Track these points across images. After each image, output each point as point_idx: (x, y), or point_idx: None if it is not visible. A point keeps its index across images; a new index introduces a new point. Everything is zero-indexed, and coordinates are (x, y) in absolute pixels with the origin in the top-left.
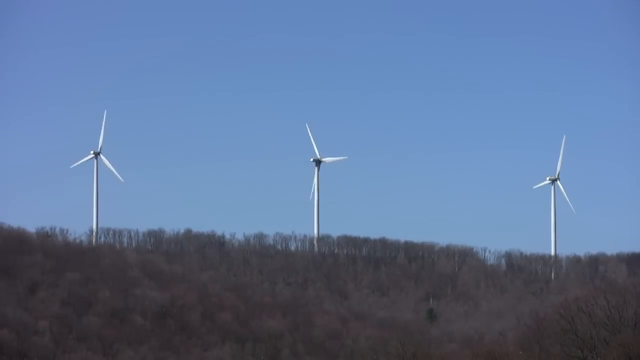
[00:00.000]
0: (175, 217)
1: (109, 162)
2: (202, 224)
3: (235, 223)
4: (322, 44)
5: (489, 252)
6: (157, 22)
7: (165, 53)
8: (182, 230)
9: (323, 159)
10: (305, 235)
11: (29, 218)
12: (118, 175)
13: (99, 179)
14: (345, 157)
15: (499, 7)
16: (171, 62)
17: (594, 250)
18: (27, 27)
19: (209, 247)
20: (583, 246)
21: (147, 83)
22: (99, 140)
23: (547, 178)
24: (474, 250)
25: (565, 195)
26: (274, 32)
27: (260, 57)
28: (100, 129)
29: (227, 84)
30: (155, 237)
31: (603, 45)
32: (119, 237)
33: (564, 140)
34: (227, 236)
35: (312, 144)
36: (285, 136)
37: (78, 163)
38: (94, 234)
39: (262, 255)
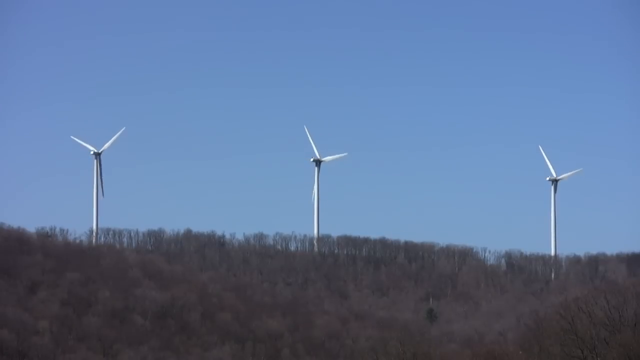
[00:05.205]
0: (175, 217)
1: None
2: (202, 224)
3: (235, 223)
4: (322, 42)
5: (489, 252)
6: (156, 19)
7: (164, 52)
8: (182, 230)
9: (323, 159)
10: (305, 235)
11: (29, 218)
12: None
13: (98, 179)
14: (346, 154)
15: (499, 5)
16: (171, 61)
17: (594, 250)
18: (26, 25)
19: (209, 247)
20: (583, 246)
21: (146, 82)
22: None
23: (547, 178)
24: (474, 250)
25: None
26: (273, 30)
27: (259, 55)
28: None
29: (226, 83)
30: (155, 237)
31: (604, 43)
32: (119, 237)
33: (541, 148)
34: (227, 236)
35: (311, 145)
36: (286, 136)
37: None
38: (94, 234)
39: (262, 255)
